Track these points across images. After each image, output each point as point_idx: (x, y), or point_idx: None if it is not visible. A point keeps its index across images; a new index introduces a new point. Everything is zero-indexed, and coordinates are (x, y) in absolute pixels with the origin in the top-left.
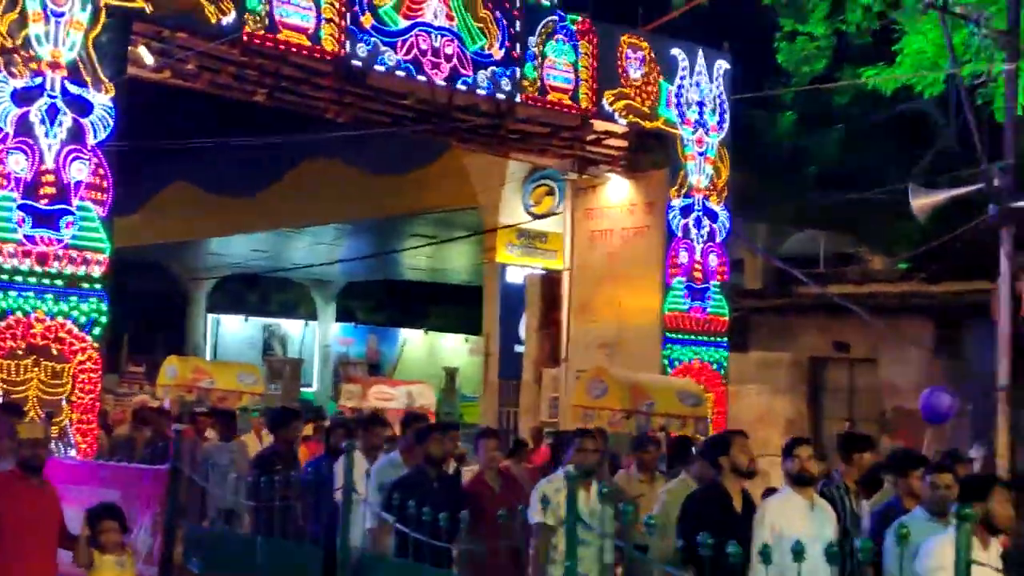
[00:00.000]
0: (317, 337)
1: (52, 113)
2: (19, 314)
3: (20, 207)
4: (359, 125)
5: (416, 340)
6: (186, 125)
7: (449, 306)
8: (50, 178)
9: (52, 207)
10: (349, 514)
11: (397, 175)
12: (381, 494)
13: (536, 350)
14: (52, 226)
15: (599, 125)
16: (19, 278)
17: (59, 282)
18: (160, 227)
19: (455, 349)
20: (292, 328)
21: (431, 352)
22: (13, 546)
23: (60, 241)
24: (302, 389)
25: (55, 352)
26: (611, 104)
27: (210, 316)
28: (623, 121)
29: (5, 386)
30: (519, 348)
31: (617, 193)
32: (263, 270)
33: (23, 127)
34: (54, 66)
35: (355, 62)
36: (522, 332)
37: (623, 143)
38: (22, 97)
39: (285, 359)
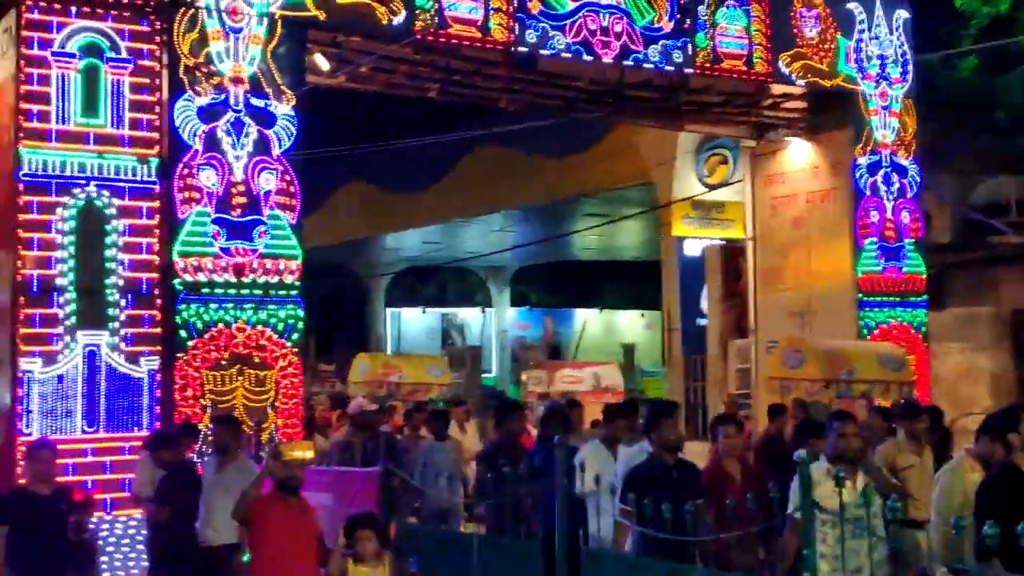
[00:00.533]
0: (494, 323)
1: (238, 127)
2: (221, 325)
3: (214, 221)
4: (530, 112)
5: (592, 319)
6: (356, 125)
7: (622, 283)
8: (240, 189)
9: (244, 218)
10: (575, 508)
11: (565, 157)
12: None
13: (720, 322)
14: (246, 237)
15: (776, 89)
16: (218, 290)
17: (256, 291)
18: (336, 227)
19: (631, 325)
20: (469, 316)
21: (607, 330)
22: (272, 567)
23: (254, 251)
24: (483, 376)
25: (257, 360)
26: (788, 66)
27: (389, 310)
28: (801, 82)
29: (213, 396)
30: (701, 321)
31: (798, 156)
32: (437, 261)
33: (211, 143)
34: (236, 81)
35: (525, 49)
36: (704, 305)
37: (802, 105)
38: (208, 114)
39: (465, 348)
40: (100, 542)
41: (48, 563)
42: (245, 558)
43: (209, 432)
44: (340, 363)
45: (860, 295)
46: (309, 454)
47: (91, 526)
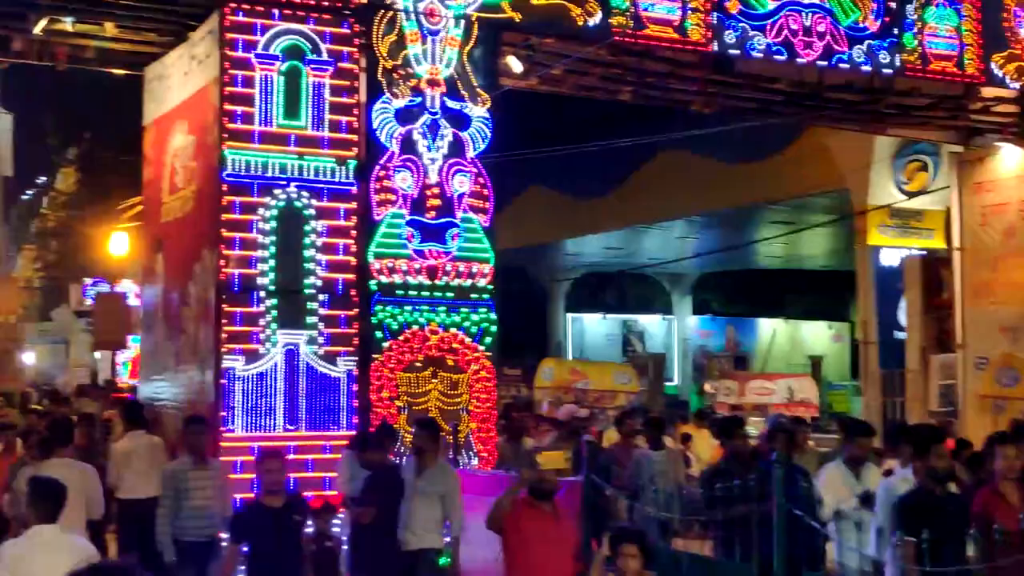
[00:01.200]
0: (675, 331)
1: (433, 129)
2: (415, 327)
3: (409, 223)
4: (723, 115)
5: (777, 329)
6: (537, 129)
7: (806, 292)
8: (435, 191)
9: (438, 221)
10: (802, 532)
11: (751, 162)
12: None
13: (920, 336)
14: (439, 239)
15: (987, 92)
16: (412, 292)
17: (449, 294)
18: (519, 232)
19: (816, 336)
20: (649, 323)
21: (792, 341)
22: (528, 574)
23: (448, 254)
24: (665, 384)
25: (451, 363)
26: (1001, 68)
27: (570, 315)
28: (1015, 85)
29: (408, 398)
30: (898, 335)
31: (1010, 163)
32: (618, 267)
33: (407, 145)
34: (432, 83)
35: (723, 50)
36: (901, 318)
37: (1015, 108)
38: (404, 116)
39: (648, 355)
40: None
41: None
42: (442, 561)
43: (410, 435)
44: (525, 367)
45: None
46: (563, 464)
47: (334, 531)
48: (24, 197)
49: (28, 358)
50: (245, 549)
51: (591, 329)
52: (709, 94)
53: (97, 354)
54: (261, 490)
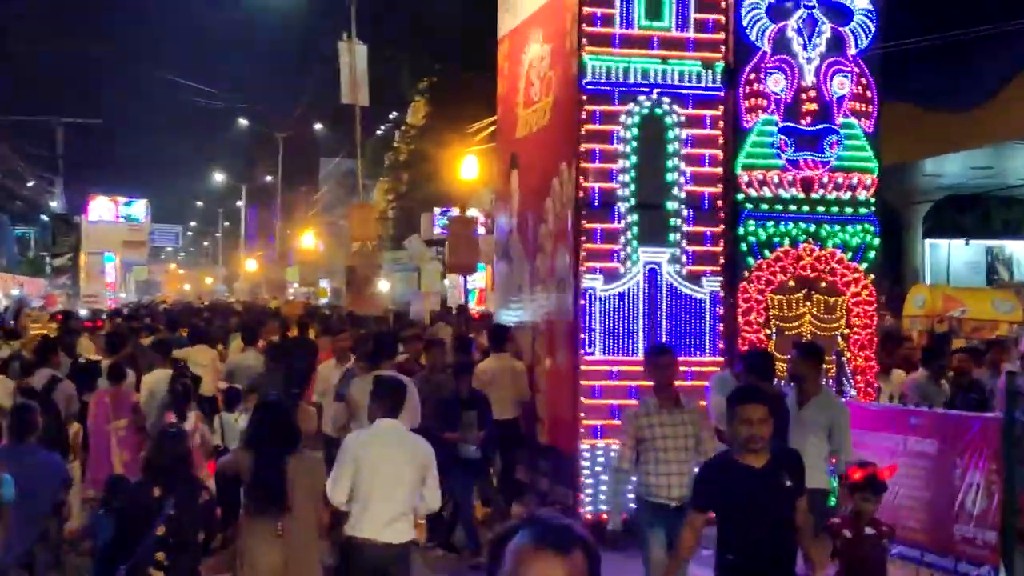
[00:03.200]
0: None
1: (810, 25)
2: (787, 245)
3: (781, 130)
4: None
5: None
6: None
7: None
8: (811, 95)
9: (814, 127)
10: None
11: None
12: None
13: None
14: (816, 148)
15: None
16: (784, 207)
17: (824, 209)
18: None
19: None
20: (1018, 249)
21: None
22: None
23: (824, 164)
24: None
25: (825, 285)
26: None
27: (927, 241)
28: None
29: (778, 323)
30: None
31: None
32: (983, 189)
33: (780, 44)
34: None
35: None
36: None
37: None
38: (777, 12)
39: (1017, 283)
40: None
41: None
42: (831, 501)
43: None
44: (885, 295)
45: None
46: None
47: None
48: (378, 132)
49: (383, 285)
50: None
51: (952, 256)
52: None
53: (447, 281)
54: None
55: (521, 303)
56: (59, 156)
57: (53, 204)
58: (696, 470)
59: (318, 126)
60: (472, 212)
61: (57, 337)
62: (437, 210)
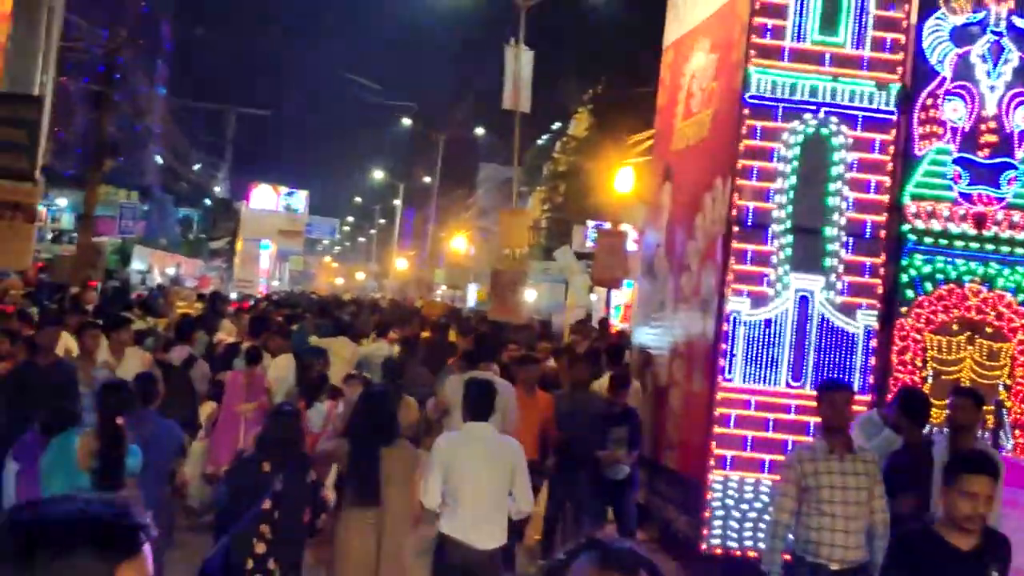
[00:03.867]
0: None
1: (996, 52)
2: (952, 284)
3: (956, 161)
4: None
5: None
6: None
7: None
8: (991, 125)
9: (992, 160)
10: None
11: None
12: None
13: None
14: (992, 183)
15: None
16: (953, 242)
17: (996, 247)
18: None
19: None
20: None
21: None
22: None
23: (1000, 199)
24: None
25: (990, 329)
26: None
27: None
28: None
29: (935, 365)
30: None
31: None
32: None
33: (961, 70)
34: None
35: None
36: None
37: None
38: (961, 36)
39: None
40: None
41: None
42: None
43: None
44: None
45: None
46: None
47: None
48: (539, 142)
49: (529, 294)
50: None
51: None
52: None
53: (593, 295)
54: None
55: (662, 322)
56: (228, 142)
57: (217, 189)
58: (872, 531)
59: (479, 130)
60: (624, 227)
61: (199, 317)
62: (590, 223)
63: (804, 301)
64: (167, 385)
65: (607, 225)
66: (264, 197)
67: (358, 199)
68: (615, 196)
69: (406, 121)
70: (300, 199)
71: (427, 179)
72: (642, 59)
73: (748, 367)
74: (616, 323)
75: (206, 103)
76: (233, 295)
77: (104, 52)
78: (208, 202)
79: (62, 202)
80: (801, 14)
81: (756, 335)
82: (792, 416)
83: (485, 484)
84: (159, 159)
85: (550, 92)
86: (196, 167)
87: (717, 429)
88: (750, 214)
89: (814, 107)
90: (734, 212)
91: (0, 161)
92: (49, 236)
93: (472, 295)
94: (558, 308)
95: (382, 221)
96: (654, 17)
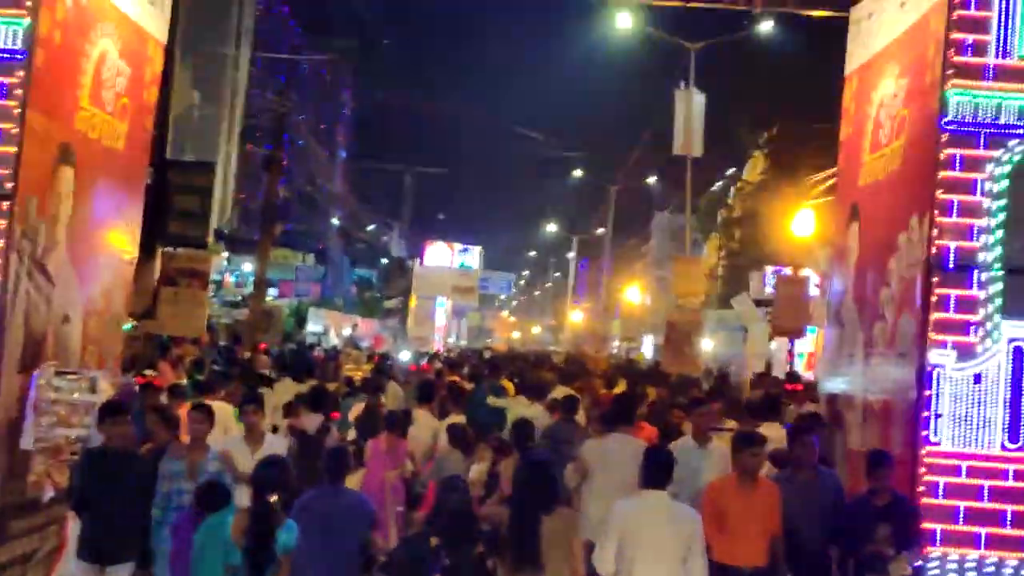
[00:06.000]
0: None
1: None
2: None
3: None
4: None
5: None
6: None
7: None
8: None
9: None
10: None
11: None
12: None
13: None
14: None
15: None
16: None
17: None
18: None
19: None
20: None
21: None
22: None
23: None
24: None
25: None
26: None
27: None
28: None
29: None
30: None
31: None
32: None
33: None
34: None
35: None
36: None
37: None
38: None
39: None
40: None
41: None
42: None
43: None
44: None
45: None
46: None
47: None
48: (713, 188)
49: (705, 344)
50: None
51: None
52: None
53: (773, 344)
54: None
55: (851, 375)
56: (405, 202)
57: (393, 248)
58: None
59: (651, 179)
60: (805, 271)
61: (365, 380)
62: (769, 269)
63: (1019, 352)
64: (301, 453)
65: (786, 271)
66: (438, 254)
67: (532, 253)
68: (794, 240)
69: (577, 172)
70: (474, 255)
71: (600, 230)
72: (819, 93)
73: (957, 428)
74: (801, 371)
75: (385, 164)
76: (403, 355)
77: (274, 117)
78: (384, 261)
79: (247, 267)
80: (1006, 27)
81: (964, 392)
82: (1010, 483)
83: (660, 554)
84: (336, 221)
85: (723, 136)
86: (370, 227)
87: (924, 500)
88: (952, 255)
89: (1022, 131)
90: (934, 252)
91: (176, 229)
92: (236, 299)
93: (649, 346)
94: (736, 357)
95: (557, 274)
96: (831, 45)
